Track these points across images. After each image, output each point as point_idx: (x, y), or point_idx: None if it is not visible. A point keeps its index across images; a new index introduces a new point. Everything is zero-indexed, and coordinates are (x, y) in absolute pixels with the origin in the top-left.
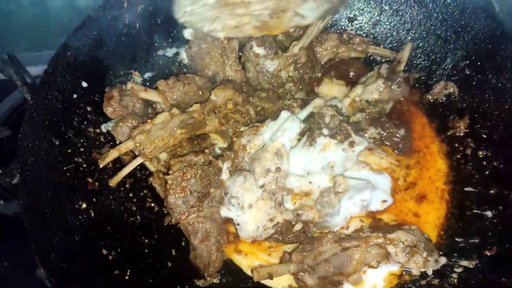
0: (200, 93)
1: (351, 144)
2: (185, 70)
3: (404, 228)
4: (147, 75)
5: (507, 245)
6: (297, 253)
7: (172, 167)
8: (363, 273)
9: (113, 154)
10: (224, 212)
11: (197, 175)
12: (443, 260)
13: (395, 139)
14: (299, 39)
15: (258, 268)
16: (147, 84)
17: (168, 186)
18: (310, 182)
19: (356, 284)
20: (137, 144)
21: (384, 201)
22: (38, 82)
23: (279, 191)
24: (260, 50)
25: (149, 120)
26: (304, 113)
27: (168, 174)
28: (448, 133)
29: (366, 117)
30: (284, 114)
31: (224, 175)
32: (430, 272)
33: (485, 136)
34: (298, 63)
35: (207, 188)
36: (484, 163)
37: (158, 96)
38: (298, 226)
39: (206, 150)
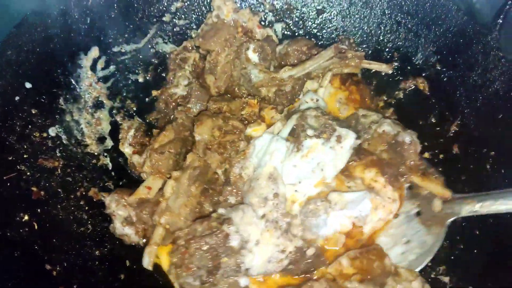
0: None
1: (338, 139)
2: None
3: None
4: (102, 73)
5: None
6: None
7: (175, 242)
8: None
9: (152, 250)
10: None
11: (202, 248)
12: None
13: None
14: (295, 66)
15: None
16: (101, 80)
17: (173, 267)
18: (296, 191)
19: None
20: (167, 226)
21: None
22: None
23: (281, 218)
24: (253, 57)
25: (160, 199)
26: (286, 130)
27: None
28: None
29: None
30: (267, 136)
31: (234, 242)
32: None
33: (452, 135)
34: (281, 90)
35: (217, 259)
36: (455, 163)
37: (158, 179)
38: (311, 251)
39: (213, 214)
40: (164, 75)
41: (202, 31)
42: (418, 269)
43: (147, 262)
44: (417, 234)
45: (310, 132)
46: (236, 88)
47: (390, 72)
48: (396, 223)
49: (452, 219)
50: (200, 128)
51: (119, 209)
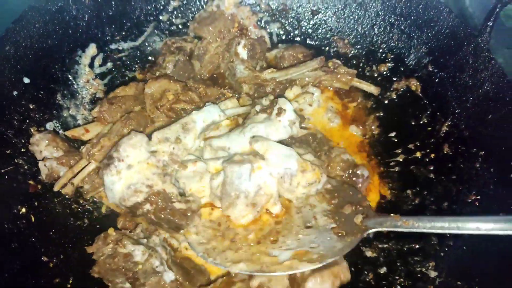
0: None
1: (279, 111)
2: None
3: None
4: (100, 70)
5: None
6: None
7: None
8: None
9: (67, 175)
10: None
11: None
12: None
13: None
14: (279, 70)
15: None
16: (98, 77)
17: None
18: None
19: None
20: (87, 156)
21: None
22: None
23: (171, 163)
24: (242, 52)
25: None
26: (232, 111)
27: None
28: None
29: None
30: (214, 105)
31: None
32: None
33: (443, 135)
34: (262, 88)
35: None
36: (446, 163)
37: (100, 126)
38: (180, 205)
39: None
40: None
41: (199, 17)
42: (316, 266)
43: (57, 184)
44: (328, 241)
45: (258, 107)
46: (220, 80)
47: (377, 94)
48: (307, 231)
49: (372, 230)
50: (152, 83)
51: (47, 149)
